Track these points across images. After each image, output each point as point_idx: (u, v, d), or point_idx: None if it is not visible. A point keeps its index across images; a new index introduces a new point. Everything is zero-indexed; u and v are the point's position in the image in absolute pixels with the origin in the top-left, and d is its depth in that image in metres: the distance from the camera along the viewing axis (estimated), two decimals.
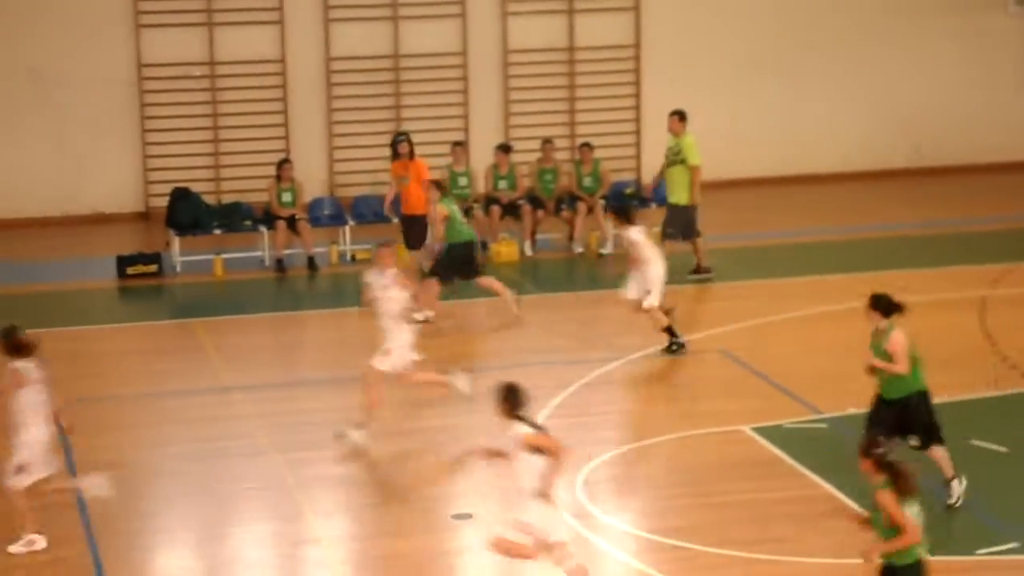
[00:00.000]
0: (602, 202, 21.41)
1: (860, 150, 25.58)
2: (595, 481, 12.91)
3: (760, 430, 14.01)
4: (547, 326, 16.38)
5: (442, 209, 17.69)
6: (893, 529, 9.10)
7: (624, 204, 18.23)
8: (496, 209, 21.16)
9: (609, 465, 13.31)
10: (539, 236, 21.34)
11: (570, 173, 21.96)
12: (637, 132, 24.69)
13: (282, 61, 23.50)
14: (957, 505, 12.09)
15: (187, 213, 21.04)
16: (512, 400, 10.33)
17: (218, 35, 23.25)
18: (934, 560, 9.49)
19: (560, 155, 22.63)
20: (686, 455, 13.61)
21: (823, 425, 14.23)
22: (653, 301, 16.18)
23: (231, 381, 16.01)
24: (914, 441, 12.04)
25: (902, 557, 9.15)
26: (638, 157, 24.67)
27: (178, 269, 20.39)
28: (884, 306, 11.94)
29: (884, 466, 9.13)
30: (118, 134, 23.17)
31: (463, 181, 21.44)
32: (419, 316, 17.68)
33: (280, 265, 20.45)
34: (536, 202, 21.45)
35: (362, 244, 20.46)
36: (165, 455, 13.90)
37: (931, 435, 12.12)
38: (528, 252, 21.12)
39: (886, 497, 9.06)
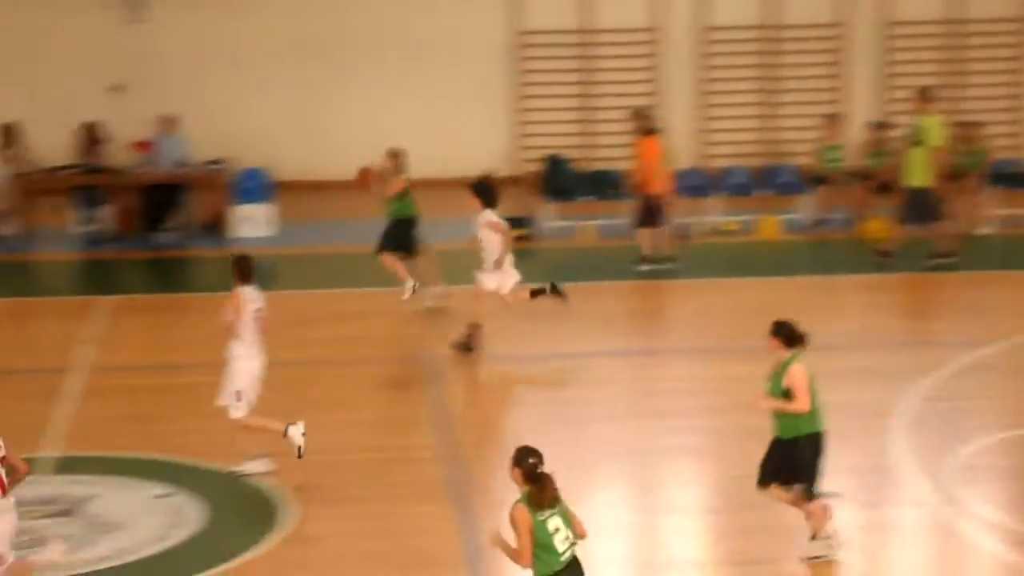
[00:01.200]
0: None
1: None
2: (962, 469, 12.43)
3: None
4: (928, 306, 15.83)
5: None
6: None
7: (486, 185, 15.70)
8: (867, 184, 20.60)
9: (979, 454, 12.79)
10: None
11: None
12: (1022, 109, 23.66)
13: (655, 30, 23.46)
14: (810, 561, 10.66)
15: (558, 179, 21.36)
16: None
17: (595, 2, 23.39)
18: None
19: None
20: None
21: None
22: (489, 284, 15.47)
23: (588, 346, 16.12)
24: (798, 490, 10.62)
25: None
26: (1022, 135, 23.66)
27: (547, 234, 20.65)
28: (786, 335, 10.43)
29: (533, 477, 8.54)
30: (494, 100, 23.62)
31: (835, 154, 20.98)
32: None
33: None
34: None
35: (733, 215, 20.22)
36: (522, 415, 14.11)
37: (810, 485, 10.61)
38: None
39: (519, 511, 8.53)
